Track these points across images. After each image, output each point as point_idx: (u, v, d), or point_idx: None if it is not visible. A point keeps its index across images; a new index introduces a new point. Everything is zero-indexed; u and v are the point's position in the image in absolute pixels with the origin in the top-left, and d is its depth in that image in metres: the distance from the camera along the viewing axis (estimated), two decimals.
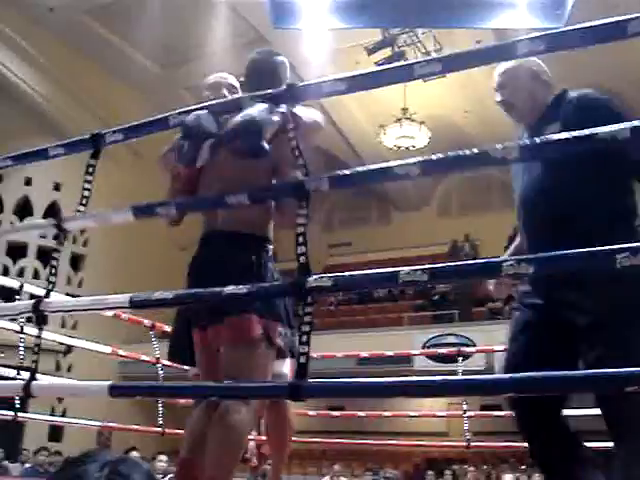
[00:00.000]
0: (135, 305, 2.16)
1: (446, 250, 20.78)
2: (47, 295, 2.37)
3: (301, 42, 14.83)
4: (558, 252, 1.60)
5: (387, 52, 14.55)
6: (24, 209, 18.09)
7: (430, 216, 21.97)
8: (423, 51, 14.70)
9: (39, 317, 2.36)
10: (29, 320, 2.42)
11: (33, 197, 18.05)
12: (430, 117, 17.32)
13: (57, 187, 17.94)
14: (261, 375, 2.63)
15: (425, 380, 1.71)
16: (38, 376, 2.49)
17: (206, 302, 2.29)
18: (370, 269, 1.85)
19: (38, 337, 2.41)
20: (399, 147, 17.81)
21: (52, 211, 18.08)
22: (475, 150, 1.73)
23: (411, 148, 17.80)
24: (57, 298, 2.65)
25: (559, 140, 1.71)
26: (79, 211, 2.42)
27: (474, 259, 18.72)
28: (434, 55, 14.31)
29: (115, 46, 16.56)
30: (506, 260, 1.64)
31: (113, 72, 17.16)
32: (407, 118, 17.28)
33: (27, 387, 2.44)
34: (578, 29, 1.73)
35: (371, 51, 14.59)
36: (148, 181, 17.64)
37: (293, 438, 4.24)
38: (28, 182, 17.78)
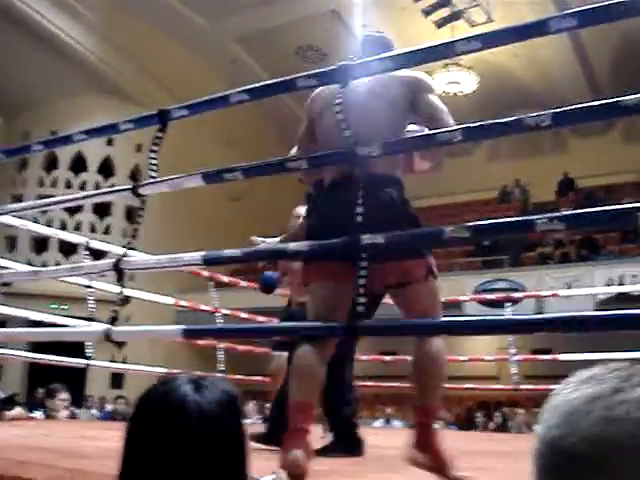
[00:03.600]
0: (208, 262, 2.39)
1: (496, 195, 20.70)
2: (125, 254, 2.62)
3: None
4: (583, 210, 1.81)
5: None
6: (78, 165, 18.51)
7: (480, 161, 21.79)
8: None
9: (119, 273, 2.62)
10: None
11: (87, 153, 18.41)
12: (478, 61, 17.12)
13: (110, 142, 18.25)
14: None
15: (467, 320, 1.91)
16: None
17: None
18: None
19: (120, 293, 2.67)
20: (447, 93, 17.72)
21: (106, 166, 18.53)
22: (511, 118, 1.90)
23: (459, 94, 17.71)
24: (132, 256, 2.90)
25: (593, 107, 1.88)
26: (152, 177, 2.65)
27: (525, 204, 18.70)
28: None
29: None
30: (540, 218, 1.83)
31: (160, 26, 17.25)
32: (455, 63, 17.14)
33: (108, 332, 2.71)
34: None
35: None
36: (201, 134, 17.93)
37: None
38: None
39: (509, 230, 1.94)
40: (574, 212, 1.80)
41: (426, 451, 2.57)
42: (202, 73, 17.67)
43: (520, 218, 1.89)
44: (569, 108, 1.86)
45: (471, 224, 1.93)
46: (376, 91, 2.68)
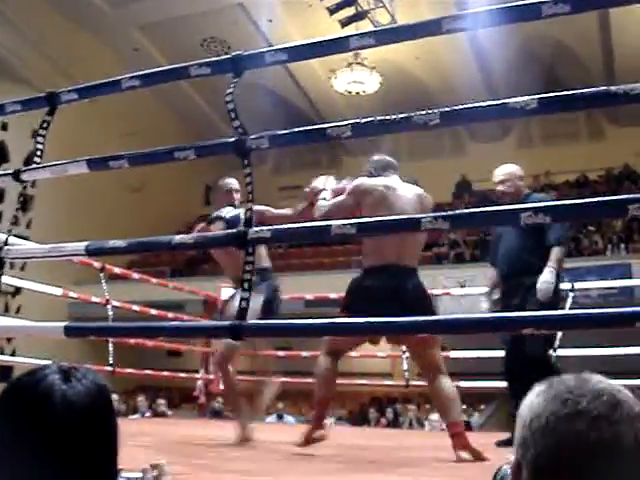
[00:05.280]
0: (91, 253, 2.32)
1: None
2: (6, 242, 2.51)
3: None
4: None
5: None
6: None
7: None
8: None
9: None
10: None
11: None
12: (381, 62, 17.30)
13: (4, 127, 17.67)
14: None
15: (344, 322, 1.91)
16: None
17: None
18: None
19: None
20: (350, 92, 17.89)
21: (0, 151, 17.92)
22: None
23: (362, 93, 17.89)
24: (14, 244, 2.79)
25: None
26: (35, 162, 2.56)
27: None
28: (386, 1, 14.38)
29: None
30: (425, 217, 1.84)
31: (62, 9, 16.73)
32: (358, 63, 17.28)
33: None
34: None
35: None
36: (102, 125, 17.57)
37: (242, 377, 4.81)
38: None
39: (394, 228, 1.95)
40: (457, 212, 1.82)
41: (465, 449, 3.60)
42: (104, 60, 17.24)
43: (405, 217, 1.91)
44: (457, 107, 1.89)
45: (361, 220, 1.93)
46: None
